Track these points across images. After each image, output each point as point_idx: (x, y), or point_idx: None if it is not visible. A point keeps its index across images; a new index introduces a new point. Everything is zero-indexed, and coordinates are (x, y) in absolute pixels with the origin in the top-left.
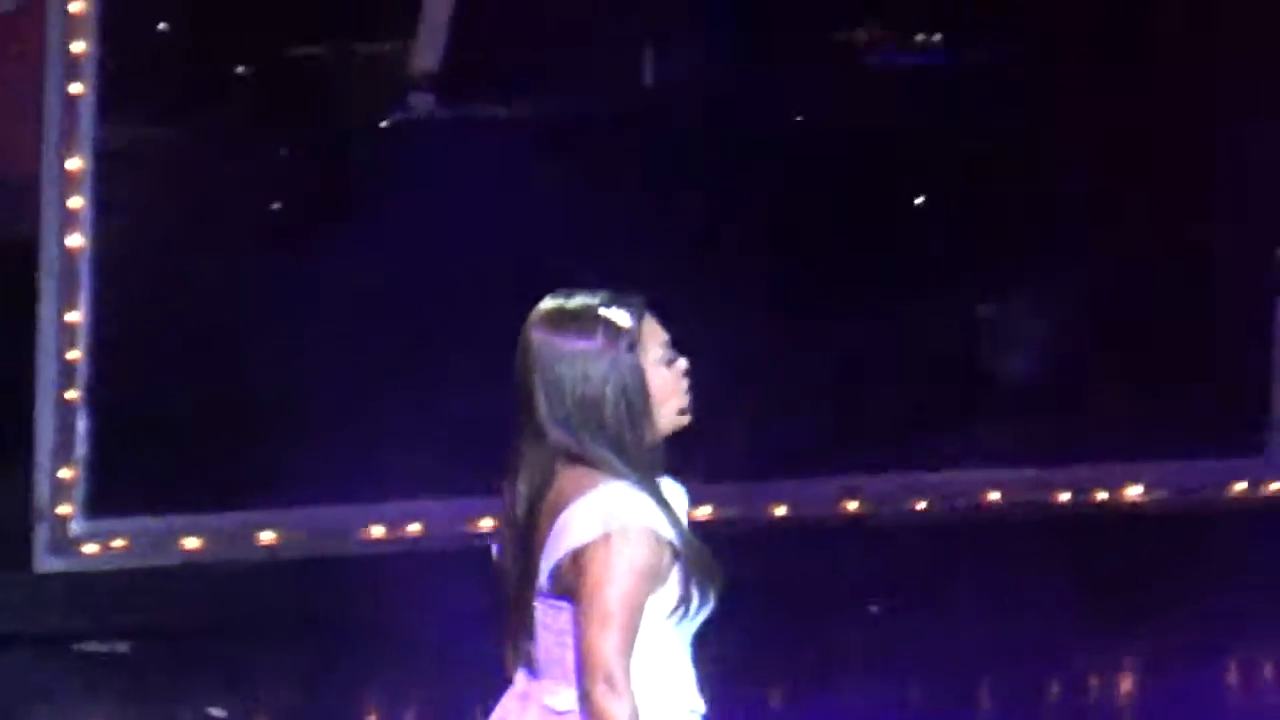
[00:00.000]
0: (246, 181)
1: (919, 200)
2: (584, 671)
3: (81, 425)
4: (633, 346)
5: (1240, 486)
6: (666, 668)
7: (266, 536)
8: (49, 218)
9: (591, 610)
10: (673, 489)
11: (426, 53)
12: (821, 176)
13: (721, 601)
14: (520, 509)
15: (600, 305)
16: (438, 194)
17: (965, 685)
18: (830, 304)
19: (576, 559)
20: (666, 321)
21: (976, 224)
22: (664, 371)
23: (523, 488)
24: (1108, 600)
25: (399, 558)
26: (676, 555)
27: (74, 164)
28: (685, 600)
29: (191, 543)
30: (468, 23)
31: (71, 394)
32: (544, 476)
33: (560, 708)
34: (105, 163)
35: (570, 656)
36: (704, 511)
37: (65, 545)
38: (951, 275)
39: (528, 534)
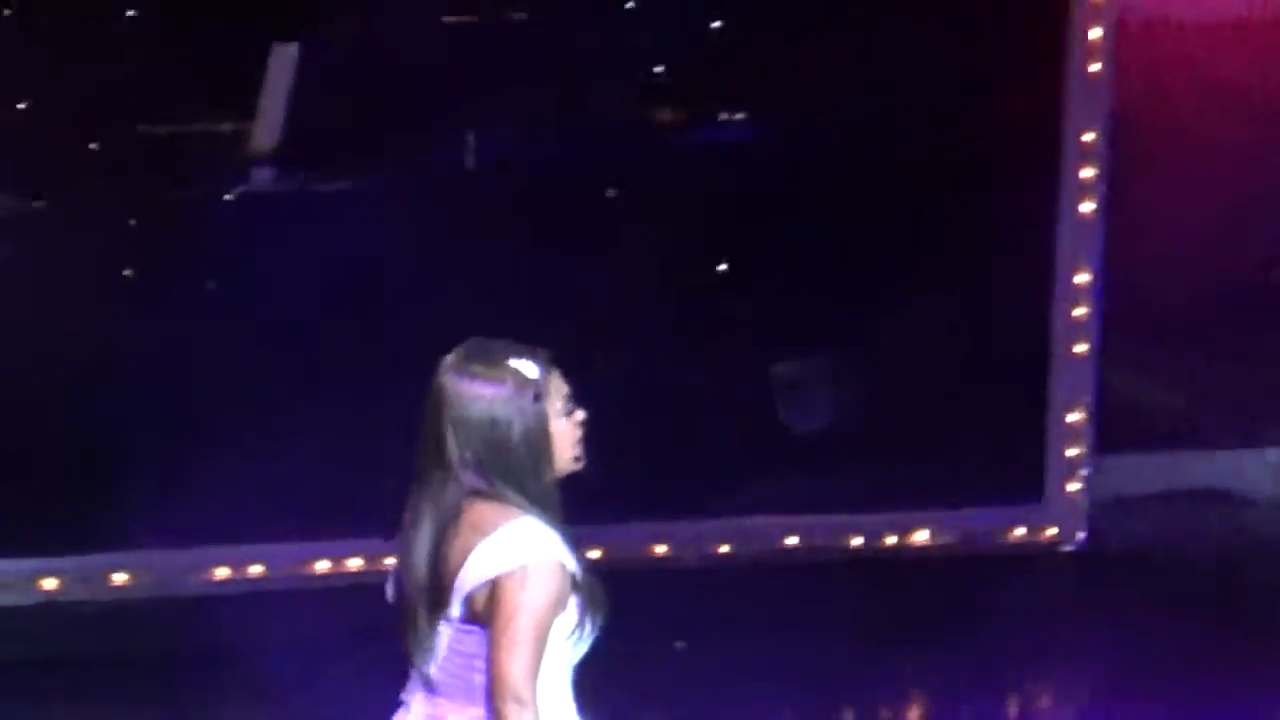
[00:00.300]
0: (99, 249)
1: (722, 266)
2: (494, 691)
3: None
4: (539, 396)
5: (1020, 532)
6: (555, 688)
7: (119, 577)
8: None
9: (504, 635)
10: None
11: (267, 132)
12: (631, 242)
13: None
14: (426, 541)
15: (510, 356)
16: (277, 259)
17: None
18: (637, 356)
19: (493, 588)
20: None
21: (774, 284)
22: (563, 422)
23: (428, 522)
24: (897, 639)
25: (242, 598)
26: (576, 585)
27: None
28: (581, 626)
29: (50, 583)
30: (303, 106)
31: None
32: (452, 511)
33: None
34: None
35: (479, 678)
36: None
37: None
38: (752, 332)
39: (435, 564)
